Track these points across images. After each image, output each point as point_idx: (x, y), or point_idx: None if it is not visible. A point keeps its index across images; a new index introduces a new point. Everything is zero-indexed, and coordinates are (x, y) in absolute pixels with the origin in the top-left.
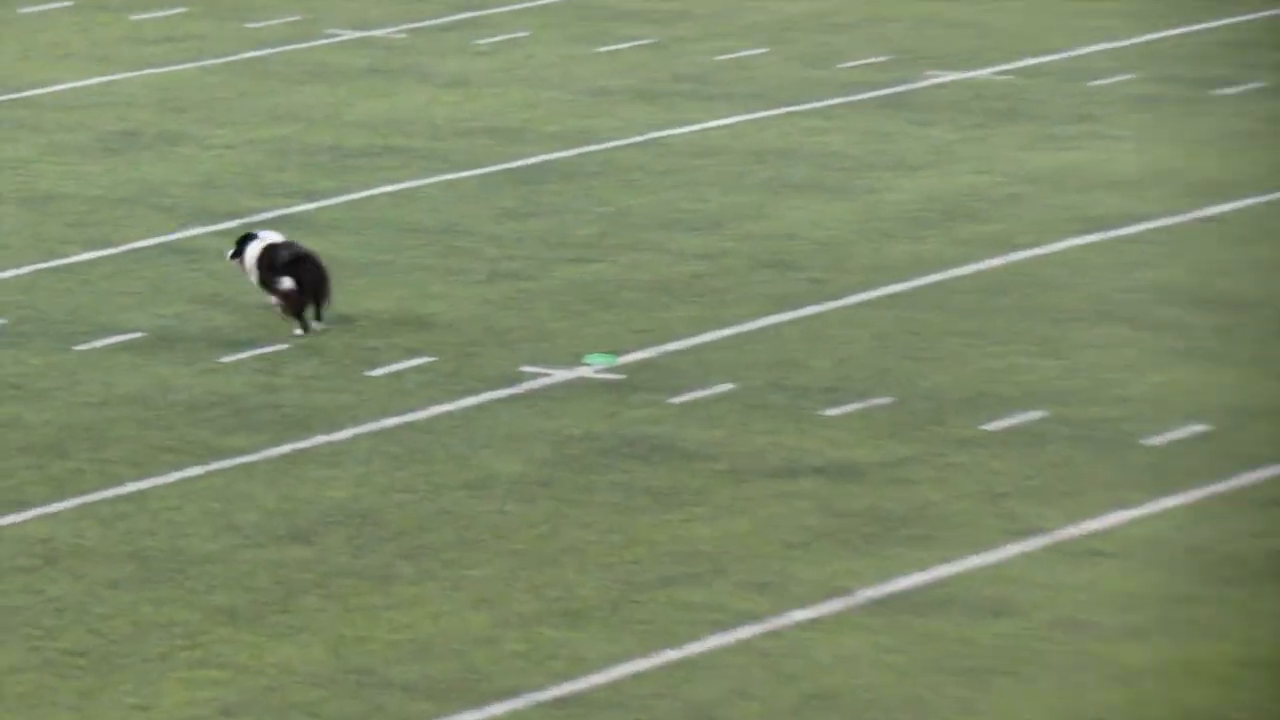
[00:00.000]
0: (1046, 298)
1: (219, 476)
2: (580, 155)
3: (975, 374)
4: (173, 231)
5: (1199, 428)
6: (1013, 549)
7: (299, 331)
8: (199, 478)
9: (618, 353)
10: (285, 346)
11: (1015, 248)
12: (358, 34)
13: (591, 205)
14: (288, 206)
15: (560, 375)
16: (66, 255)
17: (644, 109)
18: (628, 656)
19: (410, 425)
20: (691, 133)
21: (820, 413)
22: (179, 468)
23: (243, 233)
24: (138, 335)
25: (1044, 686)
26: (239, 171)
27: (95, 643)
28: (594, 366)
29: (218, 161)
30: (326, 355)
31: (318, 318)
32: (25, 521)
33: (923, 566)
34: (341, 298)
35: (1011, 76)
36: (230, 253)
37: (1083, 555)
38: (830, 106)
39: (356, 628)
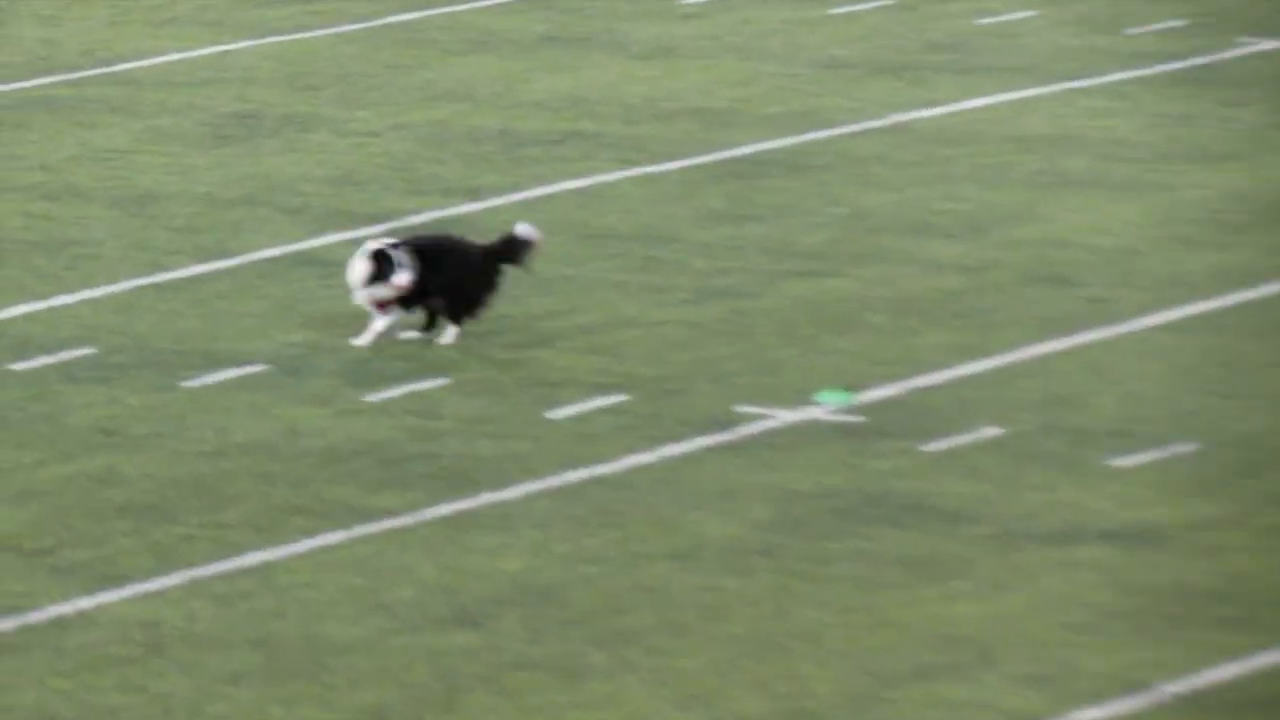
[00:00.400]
0: None
1: (363, 545)
2: (807, 143)
3: None
4: (302, 239)
5: None
6: None
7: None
8: (338, 546)
9: (856, 389)
10: (444, 381)
11: None
12: None
13: (822, 205)
14: (445, 206)
15: (785, 417)
16: (170, 268)
17: (885, 85)
18: None
19: (600, 480)
20: (944, 115)
21: (1107, 463)
22: (312, 533)
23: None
24: (260, 368)
25: None
26: (385, 164)
27: None
28: (827, 406)
29: (358, 152)
30: (496, 393)
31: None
32: (123, 601)
33: (1238, 655)
34: (514, 321)
35: None
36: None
37: None
38: (1116, 82)
39: None
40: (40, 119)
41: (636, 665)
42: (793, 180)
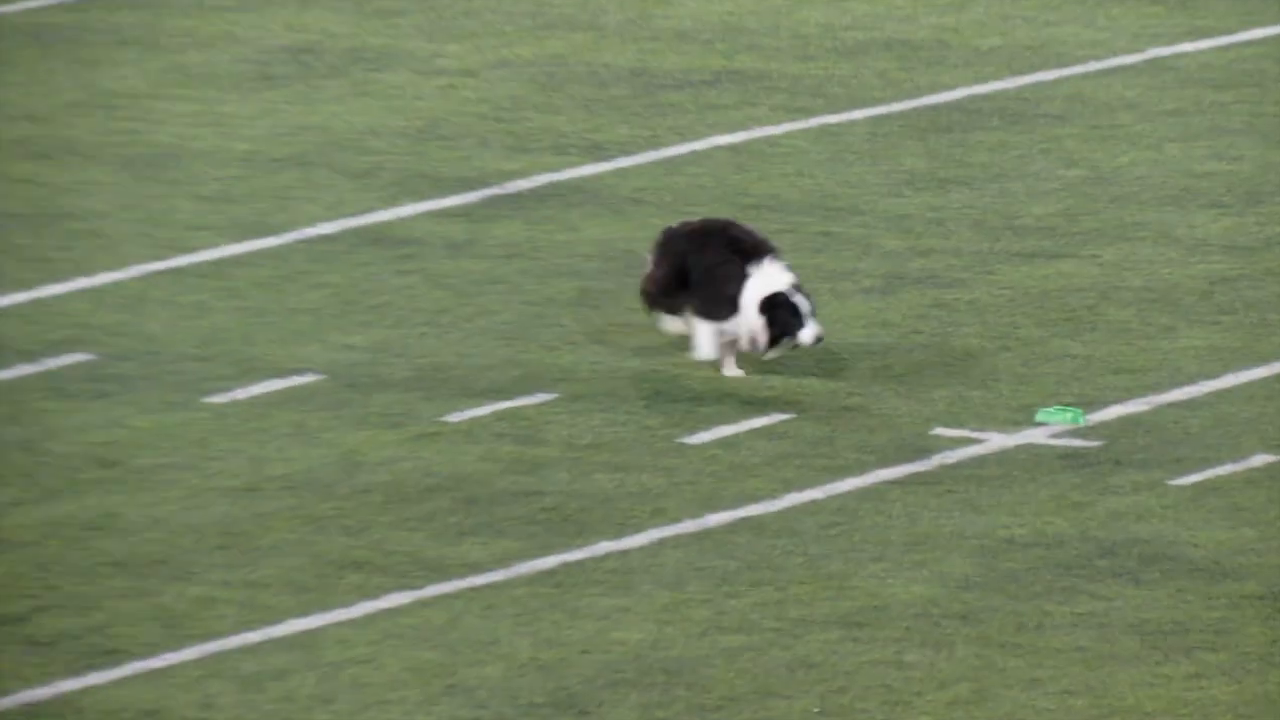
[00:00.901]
0: None
1: (437, 609)
2: (1033, 86)
3: None
4: (370, 210)
5: None
6: None
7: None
8: (404, 610)
9: (1088, 407)
10: (549, 397)
11: None
12: None
13: (1052, 167)
14: (557, 169)
15: (996, 442)
16: (194, 249)
17: (1138, 11)
18: None
19: (751, 524)
20: (1214, 49)
21: None
22: (372, 594)
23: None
24: (309, 379)
25: None
26: (481, 112)
27: None
28: (1051, 428)
29: (446, 97)
30: (618, 411)
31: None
32: (119, 682)
33: None
34: (643, 316)
35: None
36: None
37: None
38: None
39: None
40: (27, 55)
41: None
42: (1014, 134)
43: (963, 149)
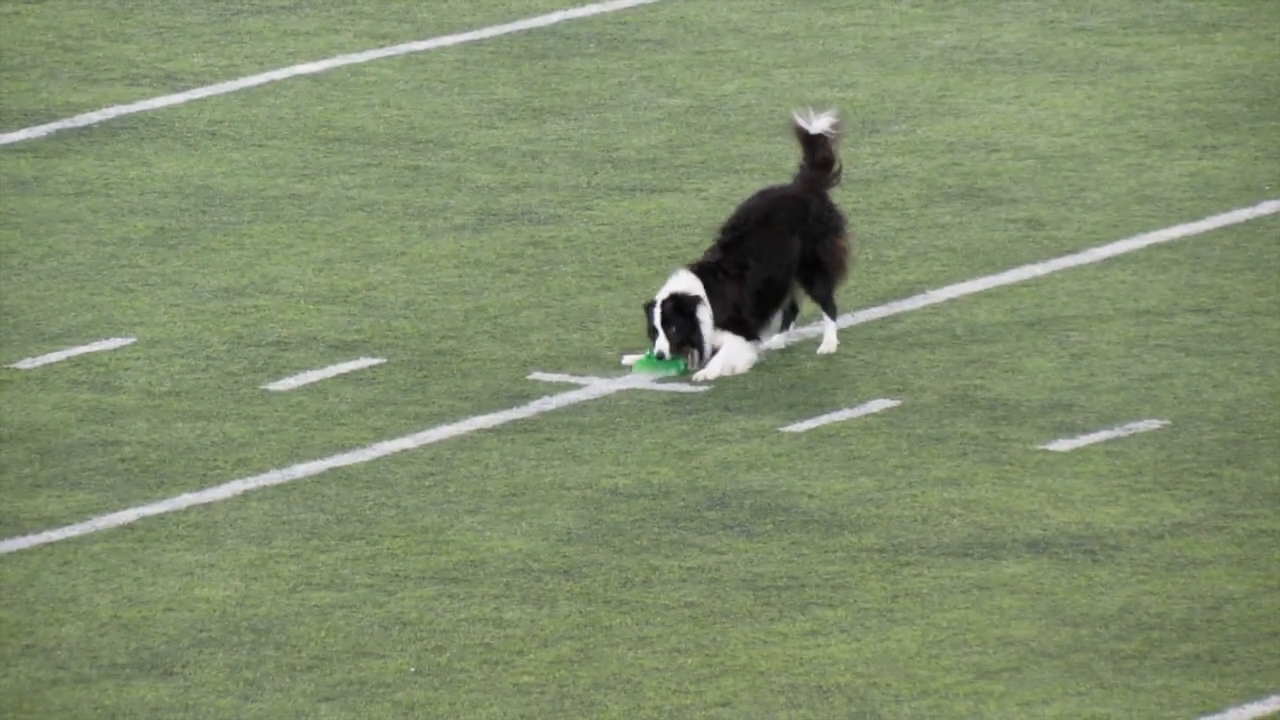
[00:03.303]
0: None
1: (11, 565)
2: (632, 9)
3: None
4: None
5: None
6: None
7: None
8: None
9: (686, 354)
10: (126, 341)
11: None
12: None
13: (656, 94)
14: (132, 101)
15: (598, 388)
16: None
17: None
18: None
19: (340, 474)
20: None
21: (1038, 448)
22: None
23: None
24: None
25: None
26: (48, 40)
27: None
28: (648, 375)
29: (10, 25)
30: (199, 355)
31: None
32: None
33: (1210, 708)
34: (227, 259)
35: None
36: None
37: None
38: None
39: None
40: None
41: None
42: (612, 60)
43: (559, 77)
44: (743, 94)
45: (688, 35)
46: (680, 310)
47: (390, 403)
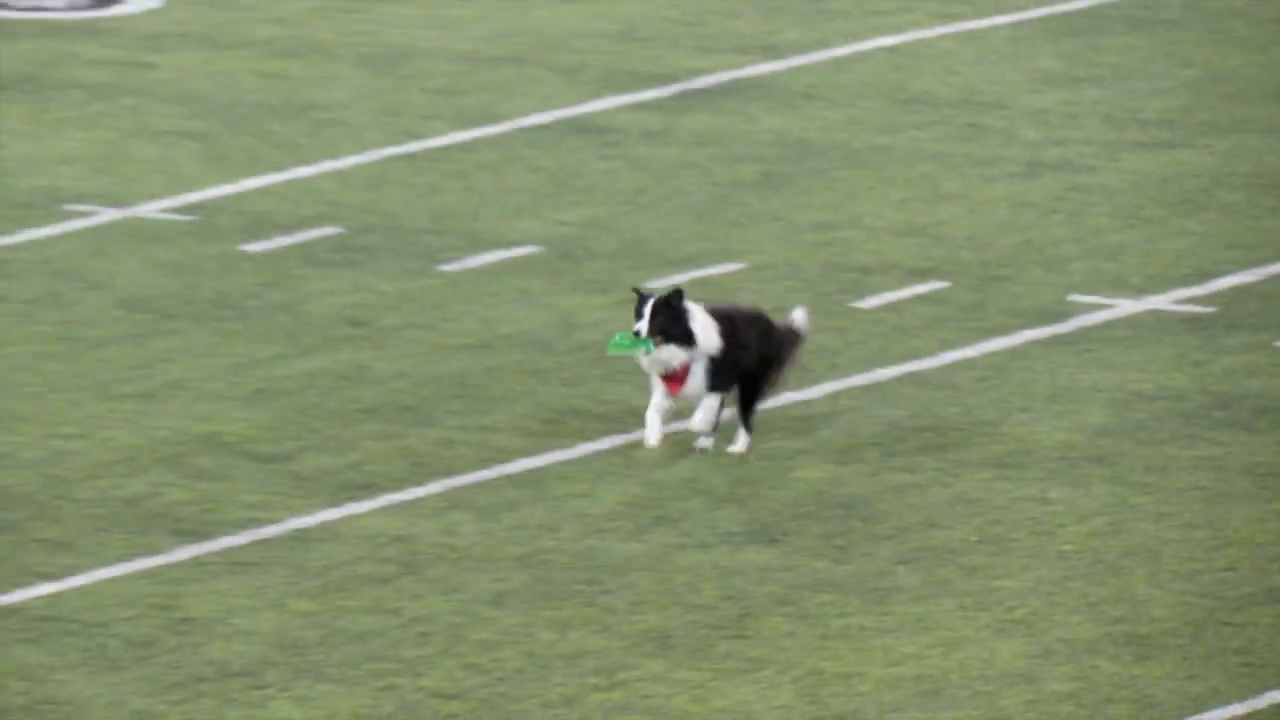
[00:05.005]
0: None
1: (645, 450)
2: None
3: None
4: (577, 102)
5: None
6: None
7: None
8: (616, 452)
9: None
10: (738, 266)
11: None
12: None
13: (1174, 66)
14: (739, 67)
15: (1125, 308)
16: (427, 136)
17: None
18: (1216, 701)
19: (914, 378)
20: None
21: None
22: (589, 437)
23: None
24: (529, 250)
25: None
26: (672, 17)
27: (475, 682)
28: (1172, 293)
29: (642, 3)
30: (797, 278)
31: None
32: (372, 513)
33: None
34: (817, 196)
35: None
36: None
37: None
38: None
39: (840, 660)
40: None
41: (952, 586)
42: (1138, 37)
43: (1093, 51)
44: (1246, 67)
45: (1199, 17)
46: (670, 309)
47: (955, 319)
